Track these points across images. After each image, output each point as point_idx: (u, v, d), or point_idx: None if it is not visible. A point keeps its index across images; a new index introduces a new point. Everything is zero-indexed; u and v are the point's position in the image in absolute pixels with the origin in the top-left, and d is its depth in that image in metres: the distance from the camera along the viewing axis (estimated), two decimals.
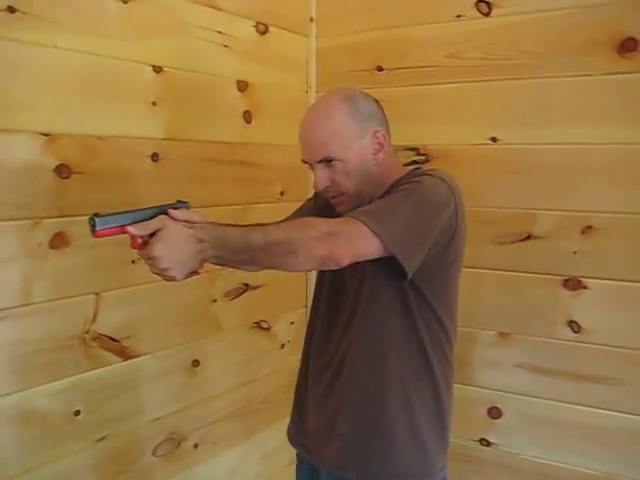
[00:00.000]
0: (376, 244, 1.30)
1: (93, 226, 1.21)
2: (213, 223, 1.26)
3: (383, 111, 1.53)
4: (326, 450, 1.56)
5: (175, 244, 1.18)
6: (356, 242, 1.30)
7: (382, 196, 1.48)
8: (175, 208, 1.28)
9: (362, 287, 1.51)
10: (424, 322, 1.47)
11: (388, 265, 1.34)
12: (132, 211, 1.25)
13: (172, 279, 1.21)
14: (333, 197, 1.51)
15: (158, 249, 1.17)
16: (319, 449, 1.59)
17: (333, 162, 1.44)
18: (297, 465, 1.74)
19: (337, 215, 1.43)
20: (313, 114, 1.49)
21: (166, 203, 1.29)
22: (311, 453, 1.63)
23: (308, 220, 1.35)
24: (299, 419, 1.70)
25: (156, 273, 1.21)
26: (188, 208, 1.32)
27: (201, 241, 1.20)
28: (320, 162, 1.46)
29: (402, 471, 1.49)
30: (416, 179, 1.42)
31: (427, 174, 1.45)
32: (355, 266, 1.43)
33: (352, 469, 1.51)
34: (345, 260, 1.29)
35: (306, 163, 1.51)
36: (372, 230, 1.29)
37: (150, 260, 1.18)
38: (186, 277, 1.24)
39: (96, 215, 1.22)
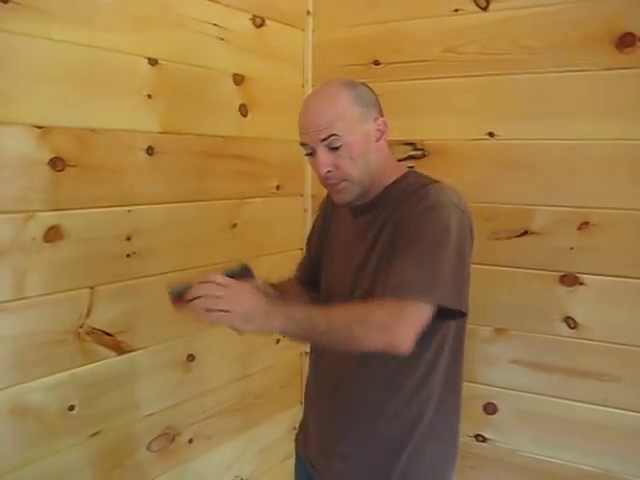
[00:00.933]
0: (432, 310, 1.30)
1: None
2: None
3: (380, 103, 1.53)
4: (326, 467, 1.55)
5: (241, 293, 1.26)
6: (414, 323, 1.28)
7: (380, 195, 1.47)
8: (242, 275, 1.37)
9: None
10: (428, 342, 1.42)
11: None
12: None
13: (233, 326, 1.24)
14: (334, 184, 1.45)
15: (224, 293, 1.24)
16: (320, 464, 1.57)
17: (337, 146, 1.40)
18: (296, 466, 1.72)
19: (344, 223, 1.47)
20: (316, 97, 1.47)
21: (231, 268, 1.38)
22: (313, 466, 1.60)
23: (367, 308, 1.33)
24: (303, 429, 1.69)
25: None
26: (253, 276, 1.43)
27: (270, 304, 1.27)
28: (324, 141, 1.40)
29: None
30: (432, 215, 1.36)
31: (437, 197, 1.39)
32: (356, 284, 1.47)
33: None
34: (408, 347, 1.27)
35: (307, 154, 1.47)
36: (426, 302, 1.29)
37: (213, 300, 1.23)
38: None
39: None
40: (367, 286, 1.45)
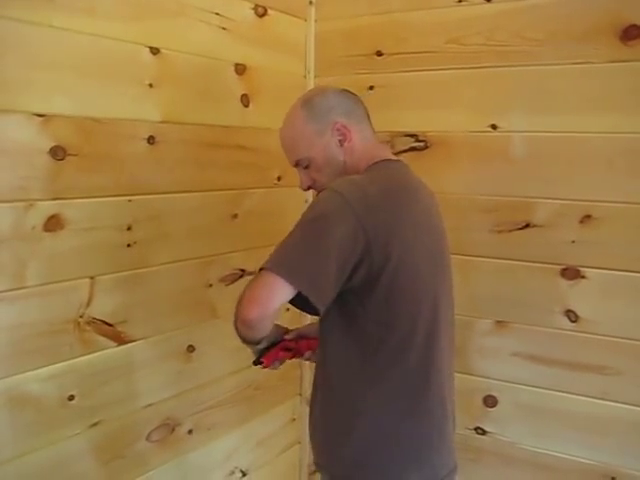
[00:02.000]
0: (275, 281, 1.26)
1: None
2: None
3: (353, 101, 1.56)
4: (313, 448, 1.60)
5: None
6: (256, 291, 1.29)
7: None
8: None
9: None
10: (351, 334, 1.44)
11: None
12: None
13: None
14: (318, 192, 1.55)
15: None
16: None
17: (306, 165, 1.54)
18: None
19: None
20: (282, 125, 1.59)
21: None
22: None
23: None
24: None
25: None
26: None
27: None
28: (296, 166, 1.57)
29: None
30: (312, 202, 1.42)
31: (329, 186, 1.40)
32: None
33: (324, 471, 1.54)
34: (250, 314, 1.28)
35: None
36: (267, 269, 1.28)
37: None
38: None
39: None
40: None
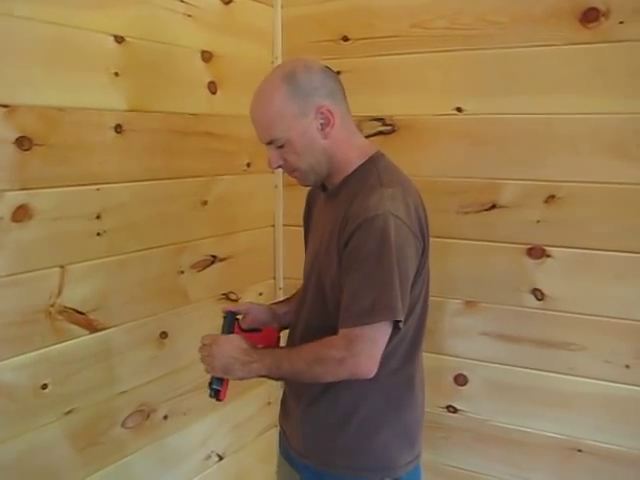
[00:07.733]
0: (388, 326, 1.36)
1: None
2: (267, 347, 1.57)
3: (335, 81, 1.48)
4: (294, 439, 1.61)
5: (222, 348, 1.50)
6: (370, 349, 1.36)
7: (341, 183, 1.49)
8: (229, 323, 1.64)
9: (313, 288, 1.53)
10: None
11: None
12: None
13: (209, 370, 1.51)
14: (290, 173, 1.52)
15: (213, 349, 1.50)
16: (291, 435, 1.64)
17: (281, 144, 1.44)
18: (279, 439, 1.75)
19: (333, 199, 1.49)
20: (256, 98, 1.47)
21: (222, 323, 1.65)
22: (286, 437, 1.67)
23: (324, 349, 1.39)
24: (282, 401, 1.73)
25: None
26: (237, 318, 1.66)
27: (247, 355, 1.47)
28: (268, 144, 1.46)
29: (352, 464, 1.51)
30: (370, 229, 1.35)
31: (376, 209, 1.35)
32: (311, 272, 1.51)
33: (312, 460, 1.56)
34: (371, 369, 1.36)
35: None
36: (379, 322, 1.35)
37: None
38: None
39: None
40: (315, 279, 1.51)
